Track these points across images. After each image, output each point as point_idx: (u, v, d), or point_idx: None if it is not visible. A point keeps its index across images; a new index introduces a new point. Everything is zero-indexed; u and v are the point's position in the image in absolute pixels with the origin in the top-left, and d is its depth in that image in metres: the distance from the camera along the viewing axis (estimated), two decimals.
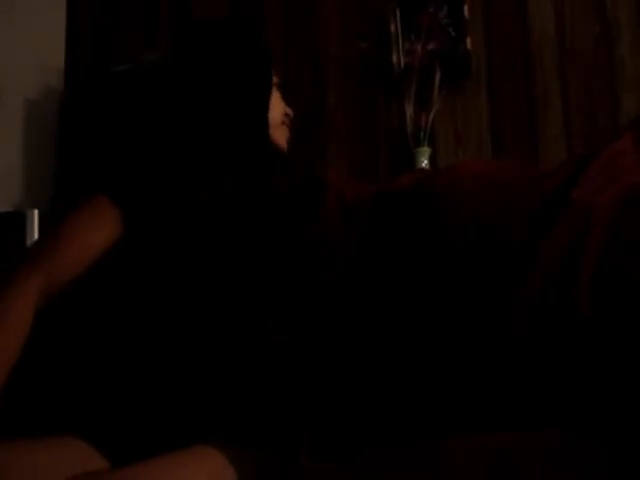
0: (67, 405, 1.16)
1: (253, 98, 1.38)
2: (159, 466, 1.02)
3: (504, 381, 1.26)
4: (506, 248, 1.38)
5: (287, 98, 1.50)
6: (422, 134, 2.19)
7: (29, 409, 1.17)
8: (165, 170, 1.30)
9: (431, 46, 2.23)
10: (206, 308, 1.31)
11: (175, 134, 1.36)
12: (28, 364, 1.17)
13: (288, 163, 1.53)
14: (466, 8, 2.21)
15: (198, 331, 1.27)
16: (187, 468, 1.03)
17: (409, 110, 2.23)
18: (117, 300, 1.24)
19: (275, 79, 1.44)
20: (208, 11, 2.52)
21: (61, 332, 1.23)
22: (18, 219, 2.16)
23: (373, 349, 1.45)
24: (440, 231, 1.49)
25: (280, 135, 1.45)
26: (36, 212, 2.15)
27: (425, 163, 2.17)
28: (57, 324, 1.22)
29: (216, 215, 1.31)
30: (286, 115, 1.46)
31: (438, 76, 2.20)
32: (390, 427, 1.24)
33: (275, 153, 1.46)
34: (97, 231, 1.18)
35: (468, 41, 2.19)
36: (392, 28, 2.28)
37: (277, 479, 1.07)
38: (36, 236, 2.13)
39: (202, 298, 1.31)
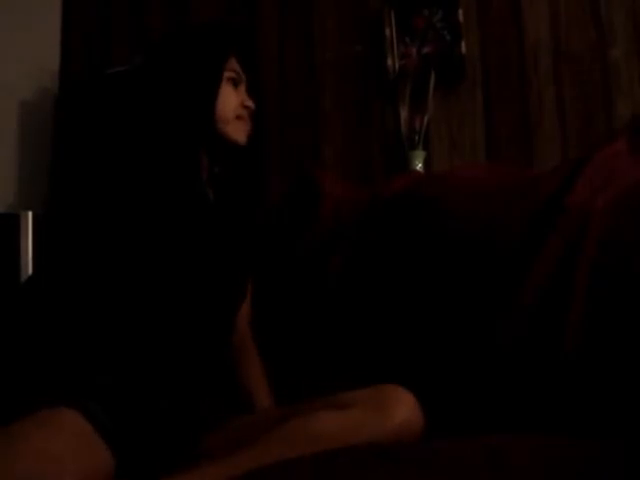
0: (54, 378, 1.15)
1: (198, 95, 1.40)
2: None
3: (504, 381, 1.26)
4: (505, 249, 1.38)
5: (252, 91, 1.50)
6: (417, 137, 2.20)
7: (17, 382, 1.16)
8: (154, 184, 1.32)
9: (426, 49, 2.24)
10: (204, 317, 1.31)
11: (155, 141, 1.38)
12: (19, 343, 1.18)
13: (247, 157, 1.52)
14: (461, 12, 2.21)
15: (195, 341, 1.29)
16: None
17: (404, 113, 2.23)
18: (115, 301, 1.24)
19: (230, 74, 1.44)
20: (203, 15, 2.53)
21: (51, 312, 1.23)
22: (12, 221, 2.15)
23: (373, 349, 1.46)
24: (437, 232, 1.49)
25: (235, 129, 1.44)
26: (30, 214, 2.14)
27: (420, 166, 2.17)
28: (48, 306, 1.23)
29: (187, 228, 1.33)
30: (245, 108, 1.46)
31: (433, 79, 2.20)
32: None
33: (229, 147, 1.45)
34: None
35: (463, 45, 2.20)
36: (387, 31, 2.28)
37: None
38: (30, 238, 2.12)
39: (199, 309, 1.31)
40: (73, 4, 2.74)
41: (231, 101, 1.44)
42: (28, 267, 2.10)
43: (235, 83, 1.46)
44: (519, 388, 1.25)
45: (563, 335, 1.24)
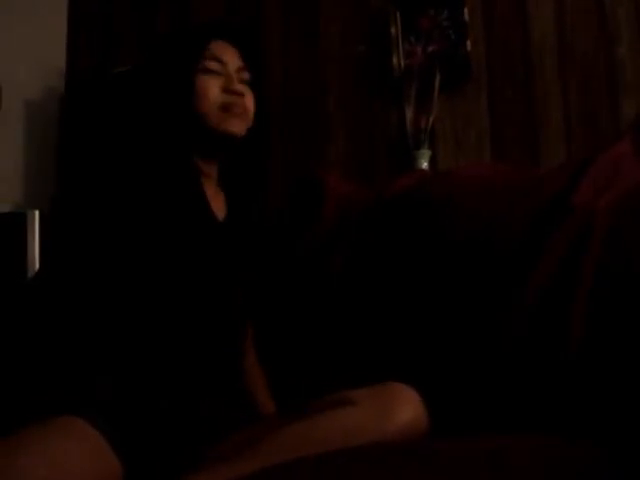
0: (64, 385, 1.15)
1: (172, 88, 1.33)
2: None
3: (505, 382, 1.26)
4: (508, 248, 1.38)
5: (255, 87, 1.40)
6: (422, 136, 2.20)
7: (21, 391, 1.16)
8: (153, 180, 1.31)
9: (431, 48, 2.24)
10: (202, 324, 1.31)
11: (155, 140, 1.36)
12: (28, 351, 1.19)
13: (250, 154, 1.47)
14: (466, 11, 2.21)
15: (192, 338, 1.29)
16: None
17: (409, 112, 2.23)
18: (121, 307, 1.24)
19: (214, 64, 1.34)
20: (206, 14, 2.53)
21: (59, 322, 1.23)
22: (19, 219, 2.16)
23: (375, 349, 1.46)
24: (439, 231, 1.49)
25: (223, 121, 1.33)
26: (37, 213, 2.16)
27: (425, 165, 2.17)
28: (56, 315, 1.23)
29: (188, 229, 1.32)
30: (230, 93, 1.34)
31: (438, 79, 2.20)
32: None
33: (227, 141, 1.37)
34: None
35: (468, 44, 2.20)
36: (392, 30, 2.28)
37: None
38: (37, 237, 2.13)
39: (200, 308, 1.31)
40: (79, 3, 2.76)
41: (208, 88, 1.33)
42: (35, 265, 2.11)
43: (215, 71, 1.35)
44: (521, 388, 1.25)
45: (566, 335, 1.24)
